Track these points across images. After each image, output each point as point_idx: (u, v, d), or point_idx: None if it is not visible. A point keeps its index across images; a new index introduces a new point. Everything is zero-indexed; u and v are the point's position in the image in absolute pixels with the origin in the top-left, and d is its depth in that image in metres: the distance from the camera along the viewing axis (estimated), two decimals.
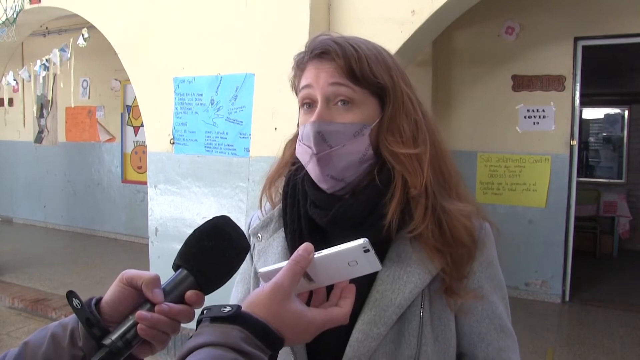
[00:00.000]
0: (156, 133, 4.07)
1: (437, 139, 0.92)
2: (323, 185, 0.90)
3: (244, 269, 1.07)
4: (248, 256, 1.05)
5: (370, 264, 0.74)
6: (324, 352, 0.89)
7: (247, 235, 1.06)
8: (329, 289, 0.78)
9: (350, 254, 0.73)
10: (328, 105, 0.88)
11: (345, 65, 0.86)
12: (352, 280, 0.77)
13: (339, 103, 0.88)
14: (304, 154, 0.90)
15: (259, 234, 1.02)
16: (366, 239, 0.73)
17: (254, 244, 1.03)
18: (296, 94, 0.95)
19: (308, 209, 0.94)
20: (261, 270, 0.79)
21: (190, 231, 0.76)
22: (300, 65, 0.92)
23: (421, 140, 0.89)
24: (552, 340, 4.20)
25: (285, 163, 1.01)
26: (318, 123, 0.86)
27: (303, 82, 0.90)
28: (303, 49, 0.93)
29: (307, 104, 0.90)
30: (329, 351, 0.88)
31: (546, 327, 4.47)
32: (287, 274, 0.71)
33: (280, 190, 1.02)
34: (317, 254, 0.74)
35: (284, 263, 0.73)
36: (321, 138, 0.87)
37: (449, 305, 0.90)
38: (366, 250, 0.72)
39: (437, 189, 0.89)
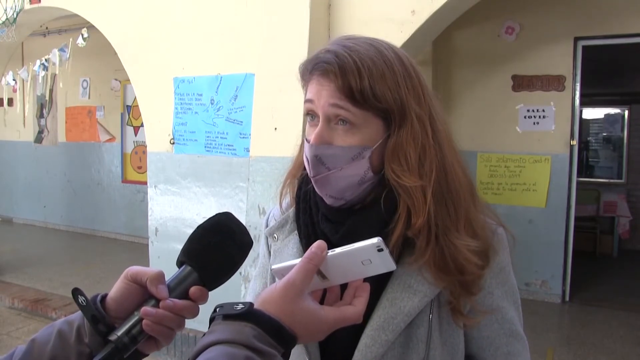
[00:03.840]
0: (156, 133, 4.07)
1: (447, 161, 0.88)
2: (326, 201, 0.90)
3: (263, 264, 1.08)
4: (266, 251, 1.05)
5: (384, 263, 0.73)
6: (336, 354, 0.89)
7: (264, 235, 1.05)
8: (343, 287, 0.77)
9: (364, 253, 0.72)
10: (329, 124, 0.86)
11: (344, 86, 0.82)
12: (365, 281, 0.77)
13: (340, 123, 0.85)
14: (307, 168, 0.90)
15: (275, 235, 1.02)
16: (380, 238, 0.72)
17: (270, 244, 1.04)
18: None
19: (320, 222, 0.92)
20: (274, 267, 0.79)
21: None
22: (304, 78, 0.90)
23: (427, 168, 0.85)
24: (552, 340, 4.20)
25: (300, 164, 0.99)
26: (315, 147, 0.85)
27: (307, 95, 0.89)
28: (307, 59, 0.90)
29: (311, 115, 0.89)
30: (340, 354, 0.88)
31: (546, 327, 4.47)
32: (299, 271, 0.71)
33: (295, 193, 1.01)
34: (331, 252, 0.73)
35: (297, 260, 0.73)
36: (319, 161, 0.86)
37: (455, 322, 0.90)
38: (380, 250, 0.72)
39: (443, 221, 0.85)
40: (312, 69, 0.86)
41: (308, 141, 0.88)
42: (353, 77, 0.82)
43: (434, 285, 0.86)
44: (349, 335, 0.83)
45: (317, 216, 0.93)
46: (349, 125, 0.84)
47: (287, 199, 1.03)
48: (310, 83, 0.88)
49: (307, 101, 0.88)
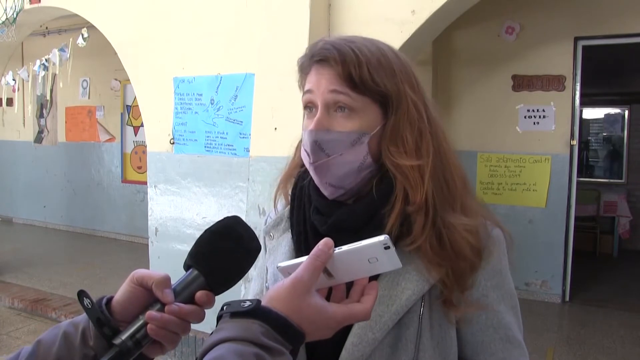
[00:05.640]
0: (156, 133, 4.07)
1: (442, 147, 0.90)
2: (324, 192, 0.90)
3: (261, 264, 1.08)
4: (264, 250, 1.05)
5: (390, 261, 0.73)
6: (322, 353, 0.89)
7: (262, 235, 1.07)
8: (349, 286, 0.77)
9: (370, 250, 0.72)
10: (328, 111, 0.87)
11: (343, 72, 0.84)
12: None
13: (338, 110, 0.86)
14: (305, 160, 0.91)
15: (271, 233, 1.03)
16: (387, 235, 0.71)
17: (267, 242, 1.04)
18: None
19: (310, 215, 0.93)
20: (280, 264, 0.79)
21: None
22: (303, 70, 0.92)
23: (424, 150, 0.87)
24: (552, 340, 4.21)
25: (295, 164, 1.01)
26: (315, 132, 0.86)
27: (306, 87, 0.90)
28: (305, 52, 0.92)
29: (309, 107, 0.90)
30: (327, 353, 0.88)
31: (546, 327, 4.47)
32: (307, 268, 0.71)
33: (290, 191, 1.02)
34: (337, 250, 0.73)
35: (304, 258, 0.73)
36: (318, 147, 0.86)
37: (447, 317, 0.89)
38: (387, 247, 0.71)
39: (440, 201, 0.86)
40: (311, 59, 0.89)
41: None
42: (352, 63, 0.84)
43: (424, 279, 0.86)
44: (338, 334, 0.83)
45: (309, 212, 0.94)
46: (348, 111, 0.86)
47: (282, 202, 1.05)
48: (309, 75, 0.90)
49: (306, 92, 0.89)
